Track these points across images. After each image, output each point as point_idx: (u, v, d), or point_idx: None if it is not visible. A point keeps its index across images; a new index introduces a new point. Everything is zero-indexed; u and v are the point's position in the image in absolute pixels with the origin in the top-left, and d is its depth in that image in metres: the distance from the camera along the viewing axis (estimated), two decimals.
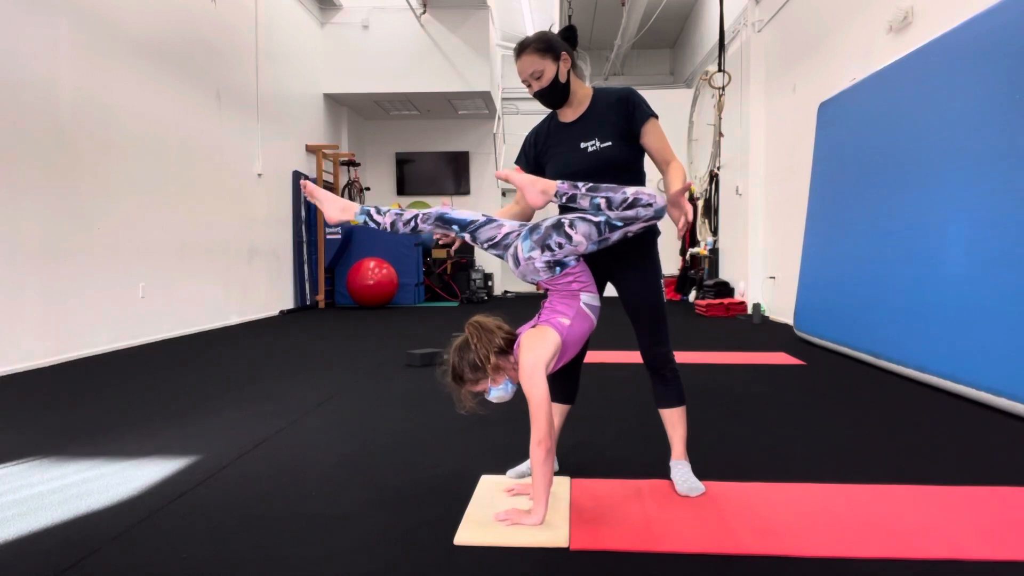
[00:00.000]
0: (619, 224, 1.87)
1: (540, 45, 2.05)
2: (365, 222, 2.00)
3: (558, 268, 1.90)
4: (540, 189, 1.89)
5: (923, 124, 4.02)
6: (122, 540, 1.75)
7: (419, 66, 9.88)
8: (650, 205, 1.83)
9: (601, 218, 1.86)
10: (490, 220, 1.96)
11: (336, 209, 2.02)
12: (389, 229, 1.99)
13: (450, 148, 12.22)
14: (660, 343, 2.14)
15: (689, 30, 12.30)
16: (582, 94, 2.15)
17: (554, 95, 2.11)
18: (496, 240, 1.93)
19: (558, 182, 1.89)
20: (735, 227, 8.95)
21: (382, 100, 10.65)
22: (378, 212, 1.99)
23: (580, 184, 1.87)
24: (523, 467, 2.19)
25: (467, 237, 1.97)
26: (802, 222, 5.90)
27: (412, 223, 1.97)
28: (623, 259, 2.12)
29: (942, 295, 3.62)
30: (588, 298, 1.96)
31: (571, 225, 1.86)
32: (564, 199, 1.89)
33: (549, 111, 2.23)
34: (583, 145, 2.09)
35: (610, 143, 2.07)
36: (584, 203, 1.86)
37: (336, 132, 10.66)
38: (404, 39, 9.84)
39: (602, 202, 1.84)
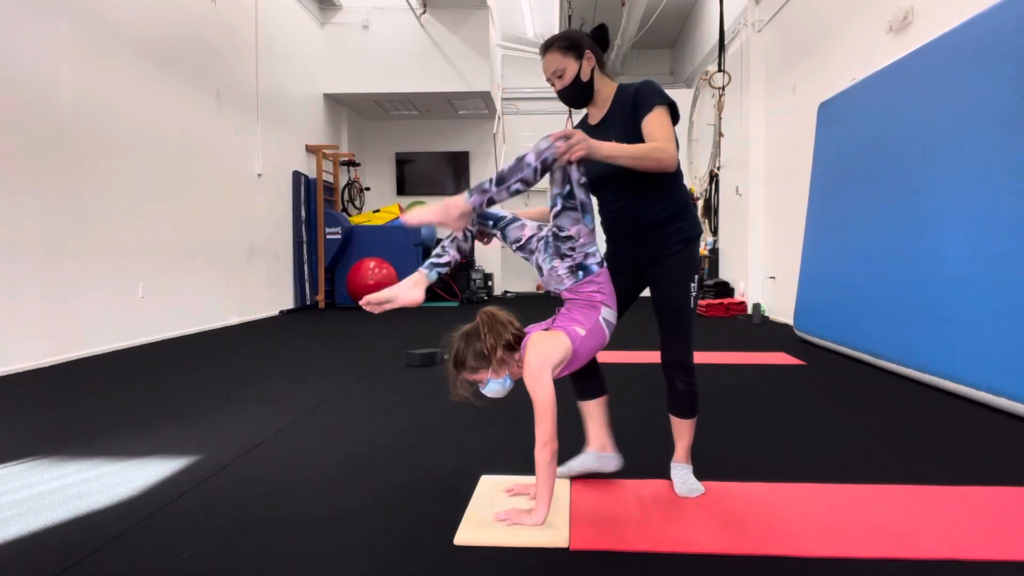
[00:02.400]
0: (564, 190, 1.85)
1: (564, 43, 2.01)
2: (438, 274, 1.99)
3: (580, 272, 1.89)
4: (455, 215, 1.83)
5: (923, 124, 4.02)
6: (122, 540, 1.75)
7: (419, 66, 9.88)
8: (547, 150, 1.77)
9: (557, 204, 1.86)
10: (515, 219, 1.96)
11: (409, 288, 1.97)
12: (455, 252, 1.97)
13: (450, 148, 12.22)
14: (678, 350, 2.04)
15: (689, 30, 12.30)
16: (606, 93, 2.08)
17: (575, 95, 2.06)
18: (522, 243, 1.94)
19: (464, 197, 1.83)
20: (735, 227, 8.95)
21: (382, 100, 10.65)
22: (442, 250, 1.98)
23: (488, 184, 1.82)
24: (573, 463, 2.17)
25: (499, 235, 1.98)
26: (802, 222, 5.90)
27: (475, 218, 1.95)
28: (658, 257, 2.04)
29: (942, 295, 3.62)
30: (607, 313, 1.92)
31: (559, 228, 1.88)
32: (484, 207, 1.86)
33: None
34: None
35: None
36: (504, 196, 1.83)
37: (336, 132, 10.66)
38: (404, 39, 9.84)
39: (520, 186, 1.82)
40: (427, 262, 1.98)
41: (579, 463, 2.17)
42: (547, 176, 1.87)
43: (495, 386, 1.88)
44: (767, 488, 2.11)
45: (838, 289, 4.93)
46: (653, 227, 2.02)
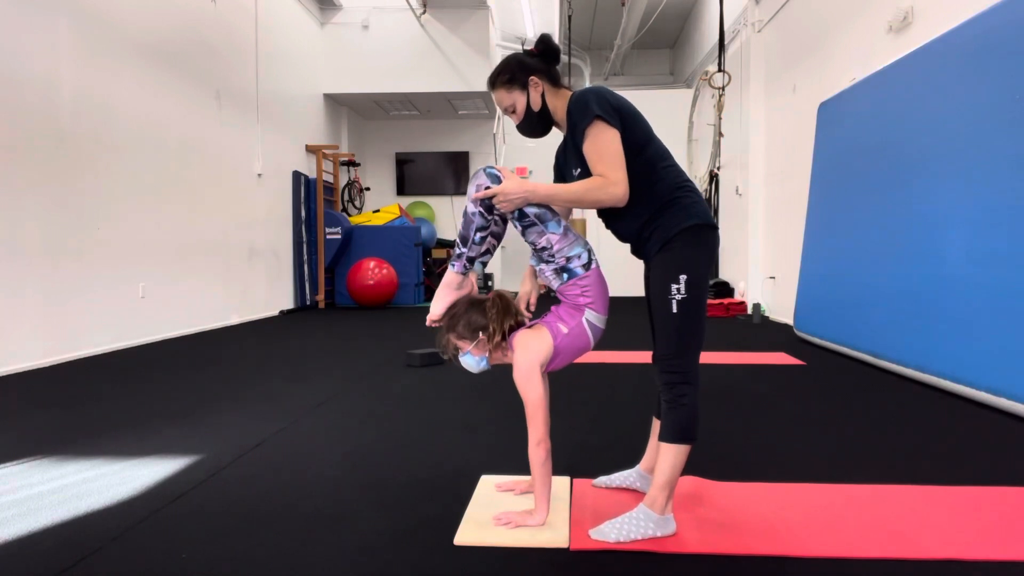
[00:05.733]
0: (515, 213, 1.84)
1: (505, 77, 1.92)
2: (483, 265, 1.99)
3: (565, 275, 1.86)
4: (454, 287, 1.94)
5: (923, 124, 4.02)
6: (122, 540, 1.75)
7: (419, 66, 9.88)
8: (477, 192, 1.81)
9: (516, 226, 1.87)
10: (533, 224, 1.89)
11: (458, 292, 1.95)
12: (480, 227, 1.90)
13: (450, 148, 12.22)
14: (660, 348, 1.80)
15: (689, 30, 12.30)
16: (563, 111, 1.90)
17: (532, 126, 1.95)
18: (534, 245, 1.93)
19: (450, 270, 1.93)
20: (735, 227, 8.95)
21: (382, 100, 10.65)
22: (480, 241, 1.89)
23: (458, 248, 1.90)
24: (615, 476, 2.15)
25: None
26: (802, 222, 5.90)
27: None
28: (648, 261, 1.88)
29: (942, 295, 3.62)
30: (592, 316, 1.86)
31: (532, 243, 1.87)
32: (470, 265, 1.93)
33: None
34: (575, 172, 1.88)
35: (581, 169, 1.85)
36: (479, 248, 1.89)
37: (336, 132, 10.65)
38: (404, 39, 9.83)
39: (483, 234, 1.87)
40: (466, 258, 1.90)
41: (621, 477, 2.13)
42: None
43: (471, 360, 1.90)
44: (767, 488, 2.11)
45: (838, 289, 4.93)
46: (634, 236, 1.89)
